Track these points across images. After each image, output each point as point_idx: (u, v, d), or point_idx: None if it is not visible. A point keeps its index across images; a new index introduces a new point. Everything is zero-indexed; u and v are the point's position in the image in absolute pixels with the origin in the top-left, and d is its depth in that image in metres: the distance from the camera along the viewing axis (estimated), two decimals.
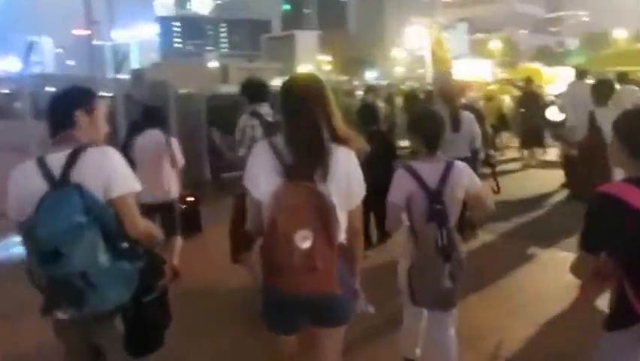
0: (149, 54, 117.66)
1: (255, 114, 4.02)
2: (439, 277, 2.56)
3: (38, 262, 1.88)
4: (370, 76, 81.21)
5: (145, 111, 4.99)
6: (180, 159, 4.83)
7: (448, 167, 2.69)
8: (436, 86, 5.28)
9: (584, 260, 1.83)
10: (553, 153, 10.58)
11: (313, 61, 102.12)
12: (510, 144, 12.21)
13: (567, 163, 5.49)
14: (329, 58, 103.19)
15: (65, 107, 2.13)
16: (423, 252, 2.60)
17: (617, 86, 7.55)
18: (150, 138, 4.70)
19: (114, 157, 2.08)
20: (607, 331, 1.88)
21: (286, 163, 1.98)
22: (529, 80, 10.63)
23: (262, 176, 2.03)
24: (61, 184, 1.95)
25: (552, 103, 8.50)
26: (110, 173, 2.02)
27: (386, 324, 3.54)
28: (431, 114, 2.94)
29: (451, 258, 2.56)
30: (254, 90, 4.24)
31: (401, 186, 2.71)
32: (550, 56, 73.07)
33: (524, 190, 8.19)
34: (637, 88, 8.52)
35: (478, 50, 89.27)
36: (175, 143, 4.82)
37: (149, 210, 3.40)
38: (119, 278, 1.98)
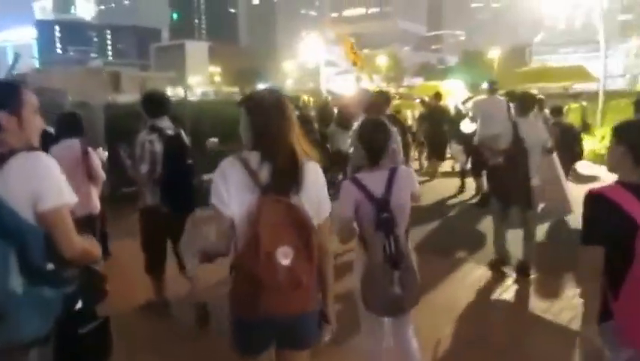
0: (27, 60, 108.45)
1: (154, 128, 3.93)
2: (388, 284, 2.58)
3: None
4: (262, 88, 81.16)
5: (60, 120, 4.62)
6: (99, 172, 4.57)
7: (392, 174, 2.70)
8: (361, 99, 5.11)
9: (584, 254, 2.00)
10: (447, 164, 11.09)
11: (204, 71, 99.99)
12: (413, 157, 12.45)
13: (489, 171, 5.61)
14: (219, 69, 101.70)
15: None
16: (372, 260, 2.62)
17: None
18: (66, 149, 4.34)
19: (47, 164, 1.85)
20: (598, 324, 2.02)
21: (260, 179, 1.93)
22: (437, 96, 10.79)
23: (233, 193, 1.93)
24: None
25: (465, 116, 8.74)
26: (41, 182, 1.80)
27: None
28: (378, 125, 2.88)
29: (400, 265, 2.59)
30: (155, 104, 4.06)
31: (348, 197, 2.71)
32: (432, 72, 77.88)
33: (435, 198, 8.54)
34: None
35: (368, 64, 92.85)
36: (94, 154, 4.53)
37: None
38: (37, 306, 1.74)
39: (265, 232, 1.81)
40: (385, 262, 2.57)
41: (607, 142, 11.85)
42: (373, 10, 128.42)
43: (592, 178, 9.01)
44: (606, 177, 2.31)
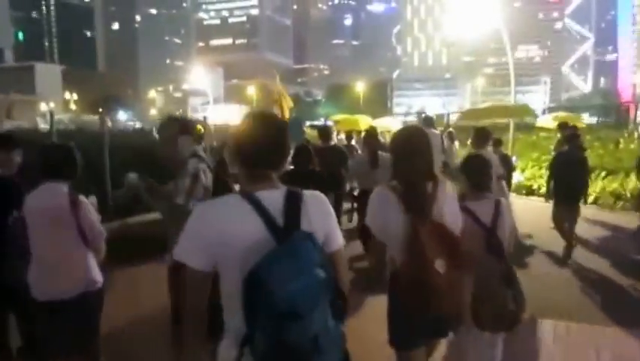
0: None
1: (200, 157, 3.46)
2: (505, 301, 2.78)
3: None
4: (123, 117, 76.93)
5: (42, 154, 3.12)
6: (98, 229, 3.12)
7: (497, 206, 2.98)
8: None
9: None
10: None
11: (57, 97, 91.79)
12: None
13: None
14: (75, 95, 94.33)
15: None
16: (484, 280, 2.78)
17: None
18: (47, 198, 3.02)
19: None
20: None
21: (408, 203, 2.33)
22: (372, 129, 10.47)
23: (392, 218, 2.34)
24: None
25: None
26: None
27: None
28: (476, 157, 3.21)
29: (513, 285, 2.82)
30: (191, 129, 3.57)
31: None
32: (301, 104, 79.69)
33: None
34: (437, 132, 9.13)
35: (234, 95, 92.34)
36: (86, 204, 3.06)
37: (52, 309, 2.96)
38: (338, 341, 1.66)
39: (426, 247, 2.21)
40: (501, 282, 2.79)
41: (528, 174, 12.28)
42: (241, 40, 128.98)
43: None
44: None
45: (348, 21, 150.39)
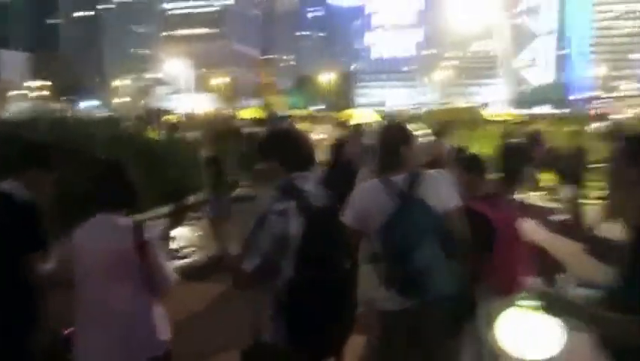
0: None
1: (292, 191, 2.25)
2: None
3: None
4: (90, 104, 77.28)
5: (88, 176, 2.50)
6: (168, 273, 2.40)
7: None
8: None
9: None
10: None
11: (22, 85, 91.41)
12: None
13: None
14: (41, 83, 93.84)
15: None
16: None
17: None
18: (105, 235, 2.33)
19: None
20: None
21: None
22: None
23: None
24: None
25: None
26: None
27: None
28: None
29: None
30: (300, 148, 2.42)
31: None
32: (269, 95, 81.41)
33: None
34: None
35: (203, 85, 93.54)
36: (154, 242, 2.36)
37: None
38: (450, 272, 2.50)
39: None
40: None
41: None
42: (208, 30, 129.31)
43: None
44: None
45: (313, 14, 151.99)
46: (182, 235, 7.15)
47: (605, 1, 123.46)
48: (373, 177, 3.64)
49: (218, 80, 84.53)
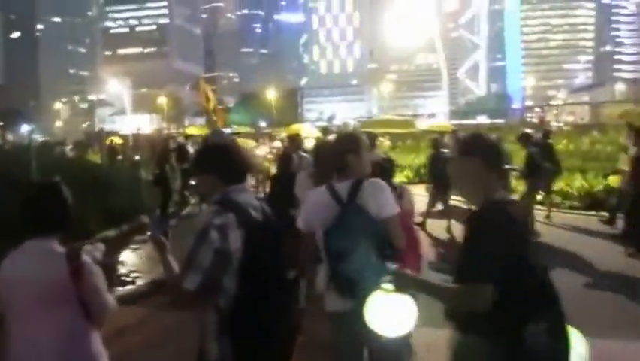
0: None
1: (230, 204, 2.17)
2: None
3: None
4: (25, 129, 74.11)
5: (21, 200, 2.23)
6: (106, 299, 2.19)
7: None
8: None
9: None
10: None
11: None
12: None
13: None
14: None
15: None
16: None
17: None
18: (36, 261, 2.13)
19: None
20: None
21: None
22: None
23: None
24: None
25: None
26: None
27: None
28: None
29: None
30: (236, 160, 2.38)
31: None
32: (213, 112, 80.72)
33: None
34: None
35: (144, 104, 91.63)
36: (90, 266, 2.15)
37: None
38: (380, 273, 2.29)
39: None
40: None
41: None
42: (150, 49, 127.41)
43: None
44: None
45: (256, 30, 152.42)
46: (130, 259, 6.97)
47: (534, 15, 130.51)
48: (311, 181, 3.88)
49: (162, 100, 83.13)
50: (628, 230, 7.25)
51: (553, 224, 9.04)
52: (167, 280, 2.20)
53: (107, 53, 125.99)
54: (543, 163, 7.98)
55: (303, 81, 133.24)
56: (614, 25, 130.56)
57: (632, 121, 10.18)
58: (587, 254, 6.93)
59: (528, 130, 10.76)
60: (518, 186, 9.18)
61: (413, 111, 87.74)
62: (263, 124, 53.19)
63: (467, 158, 2.04)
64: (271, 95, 75.97)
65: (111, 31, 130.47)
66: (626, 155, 7.80)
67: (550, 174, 8.83)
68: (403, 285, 2.01)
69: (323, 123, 64.06)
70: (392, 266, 2.09)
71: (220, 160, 2.27)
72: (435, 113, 69.78)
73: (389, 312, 2.03)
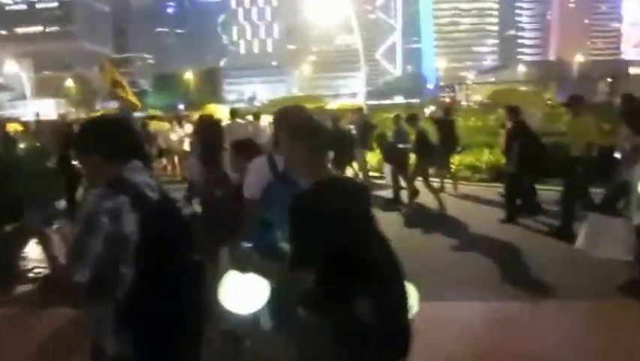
0: None
1: (122, 185, 1.94)
2: None
3: None
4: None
5: None
6: None
7: None
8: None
9: None
10: None
11: None
12: None
13: None
14: None
15: None
16: None
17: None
18: None
19: None
20: None
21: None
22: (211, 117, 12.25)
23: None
24: None
25: None
26: None
27: None
28: None
29: None
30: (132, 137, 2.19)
31: None
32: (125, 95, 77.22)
33: None
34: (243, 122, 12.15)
35: (47, 88, 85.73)
36: None
37: None
38: None
39: None
40: None
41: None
42: (52, 28, 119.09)
43: None
44: None
45: (171, 9, 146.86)
46: (35, 254, 6.36)
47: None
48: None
49: (69, 83, 78.08)
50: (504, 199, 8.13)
51: (457, 195, 9.90)
52: (52, 275, 2.00)
53: (3, 32, 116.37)
54: (435, 141, 8.58)
55: (222, 62, 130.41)
56: (517, 11, 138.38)
57: (500, 100, 12.11)
58: (470, 221, 7.84)
59: (429, 109, 11.63)
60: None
61: (335, 92, 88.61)
62: (181, 107, 51.70)
63: (297, 143, 2.16)
64: (189, 76, 73.71)
65: (7, 8, 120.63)
66: (504, 130, 8.75)
67: (446, 151, 9.60)
68: (244, 264, 2.20)
69: (243, 105, 63.47)
70: (244, 245, 2.32)
71: (103, 137, 1.99)
72: (356, 93, 70.80)
73: (239, 291, 2.20)
